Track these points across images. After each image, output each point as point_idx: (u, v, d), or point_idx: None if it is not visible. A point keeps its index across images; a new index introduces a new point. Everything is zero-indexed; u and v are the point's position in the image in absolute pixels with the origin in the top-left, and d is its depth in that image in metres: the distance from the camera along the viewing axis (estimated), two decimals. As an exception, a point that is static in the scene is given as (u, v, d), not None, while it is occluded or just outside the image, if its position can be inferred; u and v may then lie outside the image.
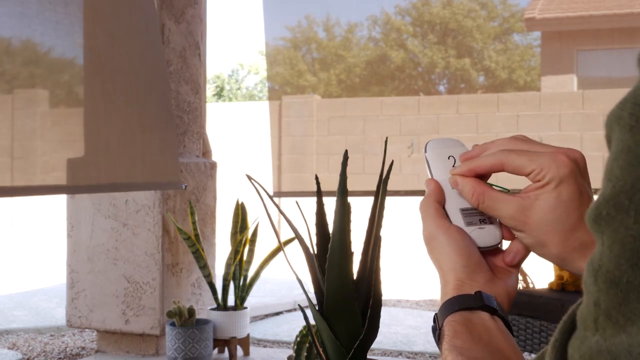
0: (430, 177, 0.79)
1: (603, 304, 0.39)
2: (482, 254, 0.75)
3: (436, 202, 0.76)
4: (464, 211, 0.76)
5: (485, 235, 0.76)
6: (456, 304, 0.70)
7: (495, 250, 0.77)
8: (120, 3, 3.48)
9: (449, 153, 0.80)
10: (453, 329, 0.68)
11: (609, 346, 0.38)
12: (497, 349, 0.66)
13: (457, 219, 0.76)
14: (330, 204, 1.93)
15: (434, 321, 0.72)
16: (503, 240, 0.78)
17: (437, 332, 0.70)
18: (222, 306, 3.52)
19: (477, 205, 0.74)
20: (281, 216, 2.55)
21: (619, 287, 0.38)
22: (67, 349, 3.94)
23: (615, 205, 0.39)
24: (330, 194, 1.89)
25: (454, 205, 0.77)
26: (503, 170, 0.73)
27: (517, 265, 0.78)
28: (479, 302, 0.70)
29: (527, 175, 0.71)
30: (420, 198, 0.79)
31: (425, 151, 0.81)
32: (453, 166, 0.79)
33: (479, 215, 0.76)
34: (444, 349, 0.67)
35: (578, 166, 0.70)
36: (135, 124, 3.46)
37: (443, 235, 0.73)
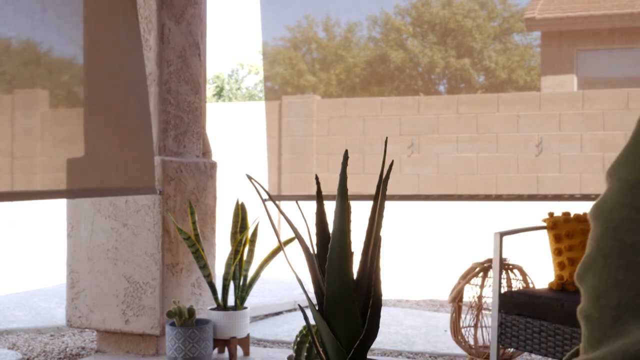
0: None
1: (584, 333, 0.55)
2: None
3: None
4: None
5: None
6: None
7: None
8: (102, 9, 3.50)
9: None
10: None
11: (590, 357, 0.53)
12: None
13: None
14: (330, 204, 1.93)
15: None
16: None
17: None
18: (222, 306, 3.52)
19: None
20: (281, 216, 2.55)
21: (589, 322, 0.54)
22: (67, 349, 3.93)
23: (587, 264, 0.55)
24: (330, 198, 1.89)
25: None
26: None
27: None
28: None
29: None
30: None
31: None
32: None
33: None
34: None
35: None
36: (111, 129, 3.50)
37: None
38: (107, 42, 3.50)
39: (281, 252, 3.44)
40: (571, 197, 5.04)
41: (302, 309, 2.03)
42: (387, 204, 2.04)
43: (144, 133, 3.52)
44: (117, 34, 3.54)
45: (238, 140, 11.23)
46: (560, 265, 3.29)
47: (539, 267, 4.40)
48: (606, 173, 0.56)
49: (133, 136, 3.51)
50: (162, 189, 3.53)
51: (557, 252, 3.30)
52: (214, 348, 3.44)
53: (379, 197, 1.93)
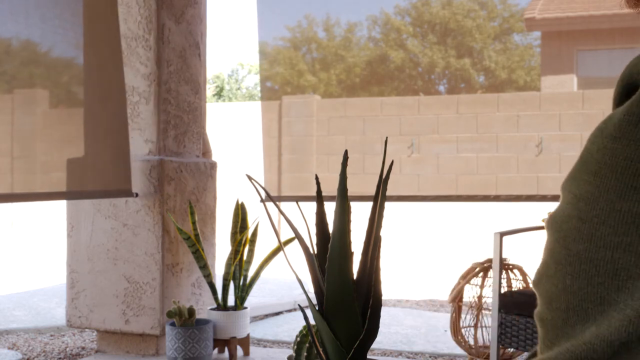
0: None
1: (540, 335, 0.60)
2: None
3: None
4: None
5: None
6: None
7: None
8: (85, 13, 3.52)
9: None
10: None
11: (543, 357, 0.58)
12: None
13: None
14: (330, 204, 1.93)
15: None
16: None
17: None
18: (222, 306, 3.52)
19: None
20: (281, 216, 2.55)
21: (544, 325, 0.59)
22: (67, 349, 3.93)
23: (540, 273, 0.60)
24: (330, 199, 1.89)
25: None
26: None
27: None
28: None
29: None
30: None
31: None
32: None
33: None
34: None
35: None
36: (89, 132, 3.53)
37: None
38: (89, 43, 3.53)
39: (281, 252, 3.44)
40: (571, 197, 5.03)
41: (302, 309, 2.03)
42: (387, 204, 2.04)
43: (121, 136, 3.54)
44: (97, 36, 3.56)
45: (238, 140, 11.23)
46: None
47: (539, 267, 4.39)
48: (561, 186, 0.61)
49: (109, 139, 3.55)
50: (137, 193, 3.55)
51: (557, 252, 3.30)
52: (214, 348, 3.44)
53: (379, 198, 1.93)
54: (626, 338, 0.54)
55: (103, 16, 3.57)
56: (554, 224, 0.60)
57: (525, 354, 3.69)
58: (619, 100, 0.60)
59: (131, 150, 3.65)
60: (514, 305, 3.13)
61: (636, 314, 0.53)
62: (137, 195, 3.53)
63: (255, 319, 4.74)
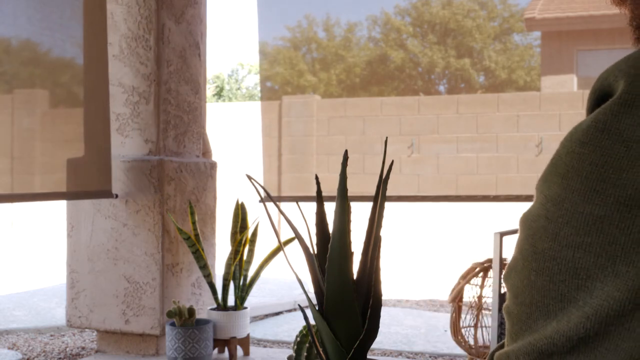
0: None
1: (507, 328, 0.62)
2: None
3: None
4: None
5: None
6: None
7: None
8: (85, 13, 3.53)
9: None
10: None
11: (507, 350, 0.61)
12: None
13: None
14: (330, 204, 1.93)
15: None
16: None
17: None
18: (222, 306, 3.52)
19: None
20: (281, 216, 2.55)
21: (510, 318, 0.61)
22: (67, 349, 3.93)
23: (509, 268, 0.63)
24: (330, 199, 1.89)
25: None
26: None
27: None
28: None
29: None
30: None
31: None
32: None
33: None
34: None
35: None
36: (70, 133, 3.54)
37: None
38: (71, 46, 3.55)
39: (281, 252, 3.44)
40: (571, 197, 5.03)
41: (302, 309, 2.03)
42: (387, 204, 2.04)
43: (103, 136, 3.56)
44: (90, 35, 3.57)
45: (238, 140, 11.24)
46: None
47: (539, 267, 4.39)
48: (535, 187, 0.64)
49: (92, 139, 3.56)
50: (117, 194, 3.57)
51: (557, 252, 3.30)
52: (214, 348, 3.44)
53: (379, 198, 1.93)
54: (584, 334, 0.55)
55: (98, 14, 3.58)
56: (525, 221, 0.62)
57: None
58: (591, 110, 0.63)
59: (124, 151, 3.65)
60: (514, 305, 3.14)
61: (594, 312, 0.55)
62: (116, 196, 3.55)
63: (255, 319, 4.74)
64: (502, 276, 0.71)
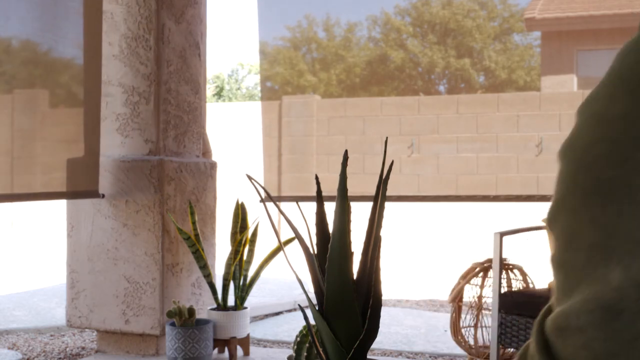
0: None
1: (557, 283, 0.52)
2: None
3: None
4: None
5: None
6: None
7: None
8: (85, 13, 3.53)
9: None
10: None
11: (563, 309, 0.50)
12: None
13: None
14: (330, 204, 1.93)
15: None
16: None
17: None
18: (222, 306, 3.52)
19: None
20: (281, 216, 2.55)
21: (563, 268, 0.51)
22: (67, 349, 3.93)
23: (556, 209, 0.52)
24: (330, 199, 1.89)
25: None
26: None
27: None
28: None
29: None
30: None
31: None
32: None
33: None
34: None
35: None
36: (59, 134, 3.55)
37: None
38: (64, 47, 3.56)
39: (281, 252, 3.44)
40: (571, 197, 5.03)
41: (302, 309, 2.03)
42: (387, 204, 2.04)
43: (93, 136, 3.56)
44: (75, 37, 3.58)
45: (238, 140, 11.24)
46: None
47: (539, 267, 4.40)
48: (576, 111, 0.53)
49: (81, 141, 3.57)
50: (104, 194, 3.58)
51: (557, 252, 3.30)
52: (214, 348, 3.44)
53: (379, 198, 1.93)
54: None
55: (95, 15, 3.58)
56: (572, 151, 0.52)
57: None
58: None
59: (124, 151, 3.65)
60: (514, 305, 3.13)
61: None
62: (103, 196, 3.56)
63: (255, 319, 4.74)
64: (546, 221, 0.64)
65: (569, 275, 0.50)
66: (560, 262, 0.51)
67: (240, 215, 3.54)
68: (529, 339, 0.56)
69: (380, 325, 2.01)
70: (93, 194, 3.55)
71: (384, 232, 2.01)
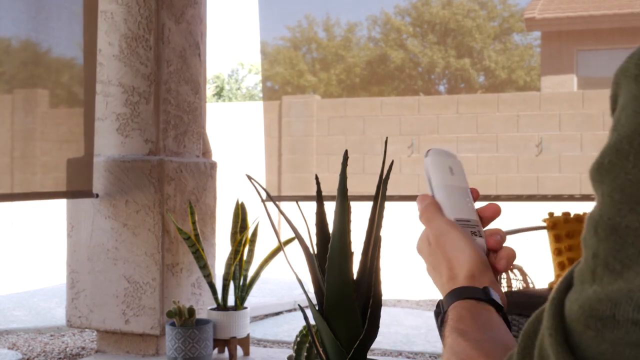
0: (428, 181, 0.84)
1: (602, 253, 0.39)
2: None
3: (439, 209, 0.81)
4: (458, 221, 0.81)
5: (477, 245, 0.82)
6: (464, 293, 0.73)
7: None
8: (71, 15, 3.53)
9: (449, 164, 0.86)
10: (458, 313, 0.70)
11: (608, 293, 0.37)
12: (498, 336, 0.68)
13: None
14: (330, 204, 1.93)
15: (438, 306, 0.75)
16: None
17: (441, 316, 0.73)
18: (222, 306, 3.52)
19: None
20: (281, 216, 2.55)
21: (618, 233, 0.38)
22: (67, 349, 3.93)
23: (617, 151, 0.39)
24: (330, 199, 1.89)
25: (450, 215, 0.81)
26: None
27: (505, 271, 0.87)
28: (487, 296, 0.72)
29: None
30: (413, 203, 0.83)
31: (427, 156, 0.86)
32: (452, 175, 0.85)
33: (470, 227, 0.81)
34: (446, 332, 0.69)
35: None
36: (59, 134, 3.56)
37: (457, 232, 0.77)
38: (58, 46, 3.57)
39: (281, 252, 3.44)
40: (571, 197, 5.04)
41: (302, 309, 2.03)
42: (387, 204, 2.04)
43: (87, 135, 3.57)
44: (76, 34, 3.58)
45: (238, 140, 11.24)
46: (560, 265, 3.29)
47: (539, 267, 4.40)
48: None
49: (75, 141, 3.58)
50: (98, 194, 3.58)
51: (557, 252, 3.30)
52: (214, 348, 3.44)
53: (379, 198, 1.93)
54: None
55: (92, 15, 3.59)
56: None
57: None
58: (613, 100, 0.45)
59: (124, 151, 3.65)
60: (514, 305, 3.13)
61: None
62: (97, 196, 3.56)
63: (255, 319, 4.74)
64: (592, 169, 0.41)
65: (629, 243, 0.37)
66: (614, 225, 0.38)
67: (240, 215, 3.54)
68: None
69: (380, 325, 2.01)
70: (87, 193, 3.55)
71: (384, 232, 2.01)
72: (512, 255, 0.80)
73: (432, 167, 0.84)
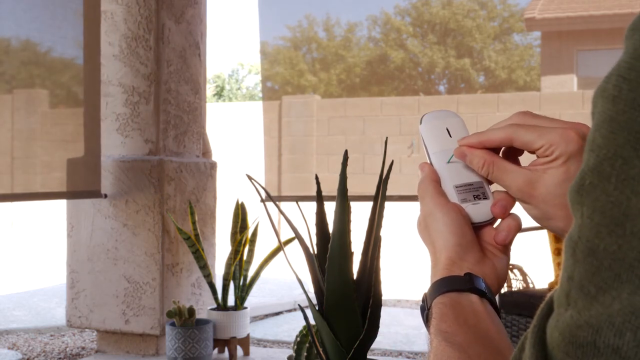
0: (425, 150, 0.79)
1: (577, 276, 0.38)
2: (475, 232, 0.75)
3: (434, 181, 0.76)
4: (457, 188, 0.76)
5: (478, 210, 0.76)
6: (445, 286, 0.70)
7: (487, 230, 0.77)
8: (71, 15, 3.54)
9: (446, 125, 0.79)
10: (440, 311, 0.68)
11: (587, 319, 0.37)
12: (483, 332, 0.66)
13: (452, 196, 0.76)
14: (330, 204, 1.93)
15: (423, 301, 0.72)
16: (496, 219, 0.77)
17: (426, 312, 0.71)
18: (222, 306, 3.52)
19: (486, 174, 0.74)
20: (281, 216, 2.55)
21: (595, 256, 0.37)
22: (67, 349, 3.93)
23: (599, 173, 0.38)
24: (330, 199, 1.89)
25: (448, 183, 0.77)
26: (512, 145, 0.72)
27: (508, 245, 0.78)
28: (468, 284, 0.69)
29: (536, 150, 0.70)
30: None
31: (421, 123, 0.80)
32: (450, 138, 0.78)
33: (472, 191, 0.76)
34: (431, 332, 0.67)
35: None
36: (59, 134, 3.56)
37: (440, 213, 0.73)
38: (62, 47, 3.58)
39: (281, 252, 3.44)
40: (571, 197, 5.03)
41: (302, 309, 2.03)
42: (387, 204, 2.04)
43: (93, 136, 3.57)
44: (79, 34, 3.59)
45: (238, 140, 11.24)
46: (560, 265, 3.29)
47: (539, 267, 4.40)
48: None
49: (81, 141, 3.58)
50: (107, 194, 3.58)
51: (557, 252, 3.30)
52: (214, 348, 3.44)
53: (379, 198, 1.93)
54: None
55: (94, 15, 3.59)
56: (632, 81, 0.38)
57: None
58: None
59: (124, 151, 3.65)
60: (514, 305, 3.13)
61: None
62: (105, 196, 3.56)
63: (255, 319, 4.74)
64: (572, 189, 0.42)
65: (606, 267, 0.36)
66: (592, 248, 0.37)
67: (240, 215, 3.54)
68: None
69: (380, 325, 2.01)
70: (95, 194, 3.55)
71: (384, 232, 2.01)
72: (513, 227, 0.75)
73: (426, 134, 0.78)
